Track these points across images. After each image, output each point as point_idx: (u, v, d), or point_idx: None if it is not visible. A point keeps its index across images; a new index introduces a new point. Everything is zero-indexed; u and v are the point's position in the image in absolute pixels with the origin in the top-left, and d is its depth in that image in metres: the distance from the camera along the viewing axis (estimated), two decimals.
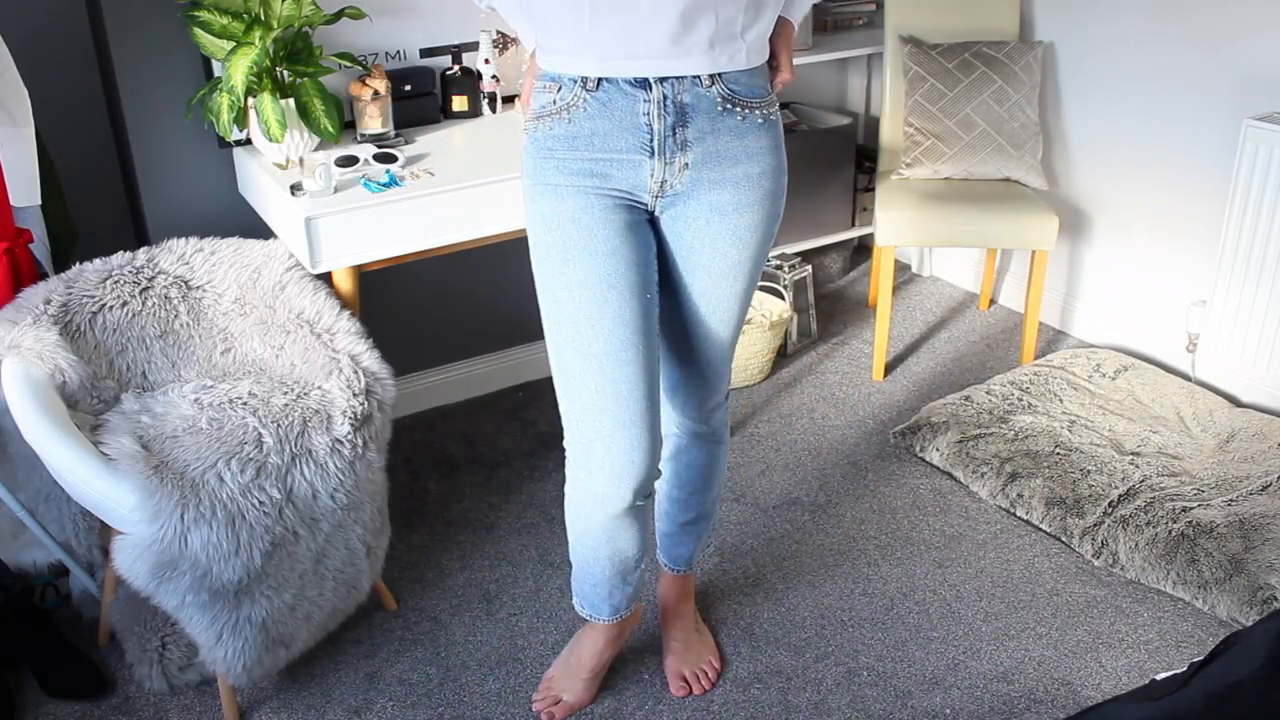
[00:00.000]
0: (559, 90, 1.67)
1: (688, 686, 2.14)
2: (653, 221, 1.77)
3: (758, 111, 1.70)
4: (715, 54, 1.63)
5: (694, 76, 1.64)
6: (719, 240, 1.76)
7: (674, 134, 1.66)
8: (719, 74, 1.65)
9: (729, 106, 1.68)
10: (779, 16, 1.73)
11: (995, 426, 2.83)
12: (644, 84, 1.63)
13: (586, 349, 1.72)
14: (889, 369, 3.28)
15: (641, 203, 1.73)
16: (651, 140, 1.66)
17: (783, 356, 3.36)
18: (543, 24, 1.65)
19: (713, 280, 1.80)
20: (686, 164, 1.69)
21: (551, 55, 1.67)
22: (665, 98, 1.64)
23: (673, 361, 1.92)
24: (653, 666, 2.20)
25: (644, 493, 1.82)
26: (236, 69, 2.25)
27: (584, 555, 1.96)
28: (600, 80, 1.64)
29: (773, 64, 1.75)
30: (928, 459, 2.81)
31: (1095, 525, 2.47)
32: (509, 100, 2.83)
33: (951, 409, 2.91)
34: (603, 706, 2.10)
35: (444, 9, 2.71)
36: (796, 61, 3.31)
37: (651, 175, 1.69)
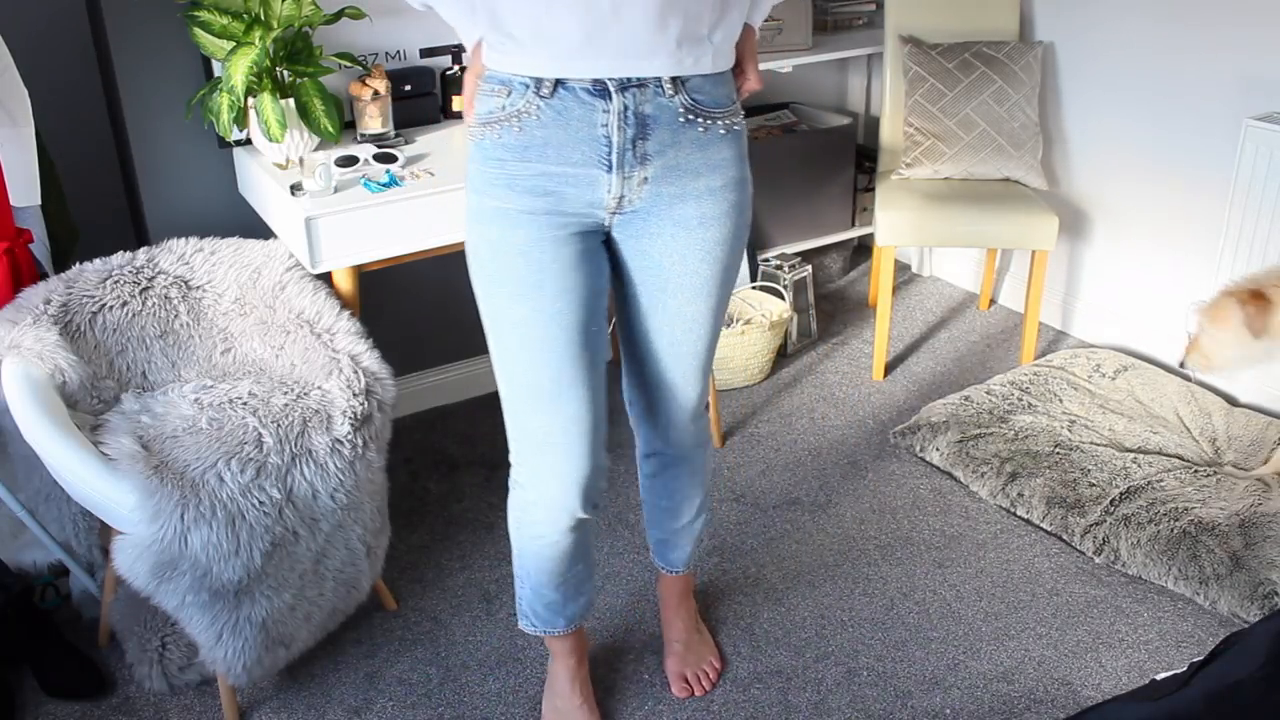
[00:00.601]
0: (508, 95, 1.56)
1: (689, 688, 2.13)
2: (608, 241, 1.70)
3: (720, 122, 1.62)
4: (681, 55, 1.54)
5: (656, 85, 1.55)
6: (687, 256, 1.68)
7: (634, 147, 1.57)
8: (683, 82, 1.56)
9: (691, 117, 1.59)
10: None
11: (995, 426, 2.83)
12: (603, 93, 1.53)
13: (535, 386, 1.68)
14: (889, 369, 3.28)
15: (596, 222, 1.64)
16: (610, 153, 1.57)
17: (783, 356, 3.36)
18: (494, 12, 1.53)
19: (685, 299, 1.73)
20: (646, 178, 1.60)
21: (499, 53, 1.56)
22: (626, 108, 1.54)
23: (649, 384, 1.86)
24: (653, 667, 2.20)
25: (591, 505, 1.79)
26: (236, 69, 2.25)
27: (534, 573, 1.91)
28: (556, 84, 1.53)
29: (737, 71, 1.69)
30: (928, 459, 2.81)
31: (1096, 523, 2.47)
32: None
33: (951, 409, 2.91)
34: (603, 707, 2.10)
35: None
36: (797, 61, 3.31)
37: (609, 191, 1.60)
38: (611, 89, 1.54)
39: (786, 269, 3.33)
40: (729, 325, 3.15)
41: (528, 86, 1.55)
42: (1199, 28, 2.91)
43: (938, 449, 2.80)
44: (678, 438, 1.94)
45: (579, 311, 1.65)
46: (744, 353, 3.12)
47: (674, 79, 1.56)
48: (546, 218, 1.61)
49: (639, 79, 1.54)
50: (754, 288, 3.34)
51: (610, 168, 1.58)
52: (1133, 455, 2.73)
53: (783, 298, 3.29)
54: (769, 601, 2.37)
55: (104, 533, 2.18)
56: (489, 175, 1.61)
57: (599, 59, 1.51)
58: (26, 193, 2.21)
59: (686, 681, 2.14)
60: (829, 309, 3.67)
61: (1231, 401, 2.97)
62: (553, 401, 1.69)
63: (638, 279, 1.73)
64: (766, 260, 3.40)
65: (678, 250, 1.68)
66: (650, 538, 2.15)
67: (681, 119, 1.59)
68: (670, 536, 2.10)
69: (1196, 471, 2.64)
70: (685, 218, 1.66)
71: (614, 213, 1.64)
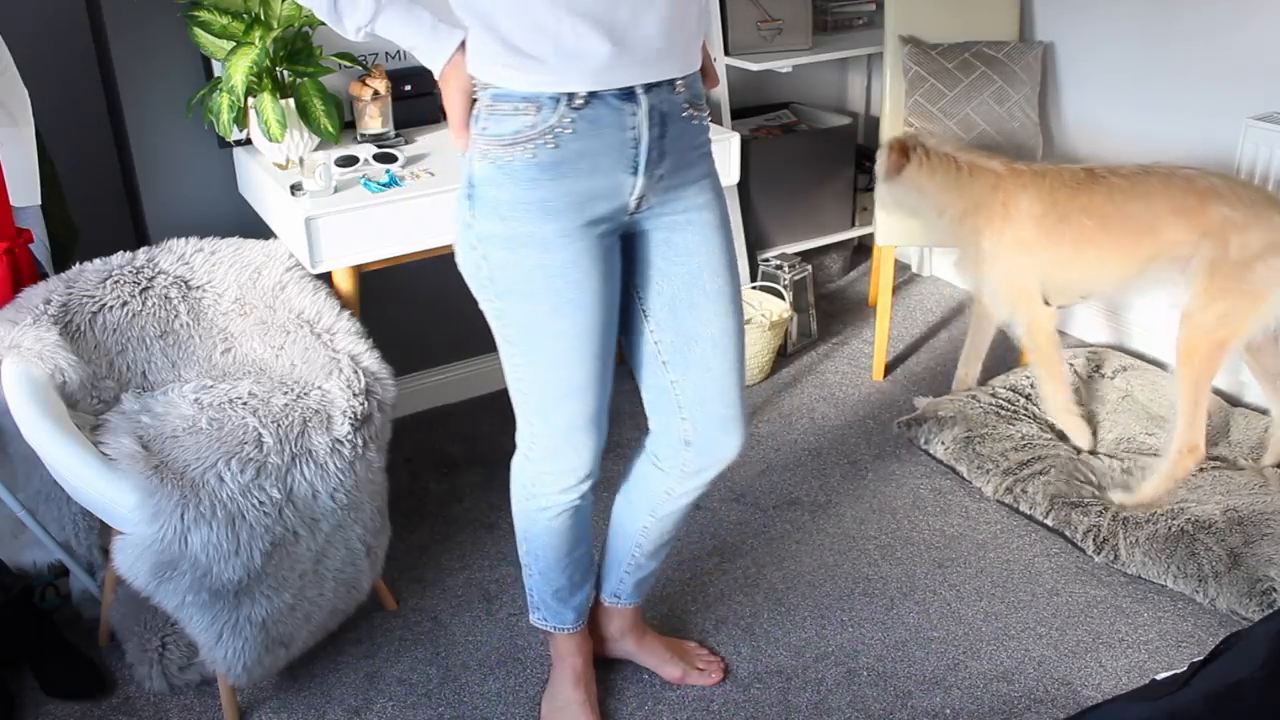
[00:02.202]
0: (538, 111, 1.52)
1: (709, 677, 2.15)
2: (624, 241, 1.71)
3: (704, 114, 1.68)
4: (688, 56, 1.59)
5: (669, 85, 1.58)
6: (709, 238, 1.72)
7: (657, 146, 1.60)
8: (684, 79, 1.60)
9: (689, 111, 1.63)
10: None
11: (1001, 427, 2.83)
12: (630, 96, 1.55)
13: (570, 384, 1.70)
14: (889, 369, 3.28)
15: (618, 224, 1.65)
16: (638, 155, 1.58)
17: (783, 356, 3.36)
18: (505, 40, 1.50)
19: (721, 279, 1.73)
20: (661, 175, 1.63)
21: (519, 71, 1.52)
22: (652, 108, 1.56)
23: (693, 387, 1.79)
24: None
25: (597, 473, 1.85)
26: (236, 69, 2.25)
27: (542, 554, 1.93)
28: (589, 96, 1.52)
29: (701, 70, 1.72)
30: (931, 451, 2.81)
31: (1097, 523, 2.47)
32: None
33: (958, 406, 2.91)
34: (603, 706, 2.10)
35: (444, 9, 2.70)
36: (797, 61, 3.32)
37: (633, 193, 1.62)
38: (639, 91, 1.55)
39: (786, 269, 3.33)
40: None
41: (558, 101, 1.52)
42: (1199, 27, 2.91)
43: (943, 443, 2.79)
44: (726, 441, 1.84)
45: (611, 313, 1.70)
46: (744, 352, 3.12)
47: (681, 77, 1.60)
48: (579, 231, 1.60)
49: (658, 81, 1.57)
50: (754, 288, 3.34)
51: (637, 169, 1.60)
52: (1132, 455, 2.73)
53: (783, 298, 3.29)
54: (769, 601, 2.37)
55: (104, 533, 2.18)
56: (518, 197, 1.57)
57: (629, 69, 1.53)
58: (26, 193, 2.21)
59: (700, 674, 2.15)
60: (829, 309, 3.67)
61: (1232, 402, 2.96)
62: (585, 394, 1.72)
63: (668, 271, 1.73)
64: (766, 260, 3.40)
65: (697, 234, 1.71)
66: (624, 578, 2.06)
67: (684, 114, 1.62)
68: (652, 566, 2.06)
69: (1195, 472, 2.64)
70: (693, 204, 1.70)
71: (632, 213, 1.66)
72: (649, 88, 1.56)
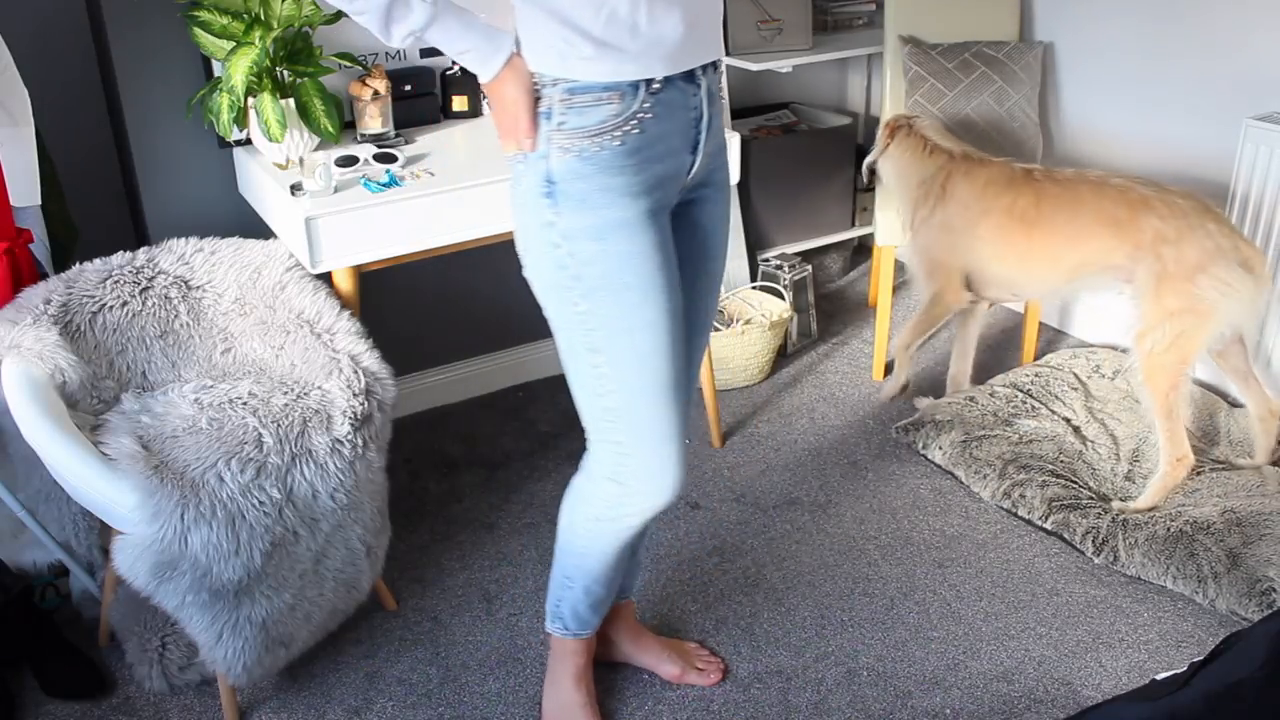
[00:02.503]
0: (621, 98, 1.55)
1: (709, 676, 2.14)
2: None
3: (723, 88, 1.76)
4: (720, 39, 1.67)
5: (713, 66, 1.65)
6: (721, 221, 1.80)
7: (709, 123, 1.66)
8: (716, 62, 1.68)
9: (720, 91, 1.71)
10: None
11: (999, 429, 2.83)
12: (692, 76, 1.61)
13: (667, 381, 1.67)
14: (889, 369, 3.28)
15: (673, 203, 1.70)
16: (699, 135, 1.65)
17: (783, 356, 3.36)
18: (590, 34, 1.51)
19: (719, 263, 1.82)
20: (708, 152, 1.69)
21: (597, 63, 1.53)
22: (708, 88, 1.64)
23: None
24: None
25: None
26: (236, 69, 2.25)
27: (595, 570, 1.89)
28: (665, 79, 1.57)
29: None
30: (929, 456, 2.81)
31: (1096, 524, 2.47)
32: None
33: (956, 409, 2.91)
34: (603, 707, 2.10)
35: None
36: (797, 61, 3.32)
37: (691, 171, 1.68)
38: (698, 72, 1.62)
39: (786, 269, 3.33)
40: (729, 325, 3.15)
41: (638, 87, 1.55)
42: (1199, 28, 2.91)
43: (940, 448, 2.79)
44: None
45: (680, 298, 1.69)
46: (744, 353, 3.12)
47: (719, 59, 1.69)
48: (657, 214, 1.63)
49: (713, 62, 1.65)
50: (754, 288, 3.34)
51: (697, 148, 1.66)
52: (1132, 455, 2.73)
53: (783, 298, 3.29)
54: (769, 601, 2.37)
55: (104, 533, 2.18)
56: (605, 185, 1.57)
57: (695, 50, 1.59)
58: (27, 193, 2.21)
59: (699, 673, 2.14)
60: (829, 309, 3.67)
61: (1232, 402, 2.96)
62: (678, 392, 1.71)
63: (683, 253, 1.75)
64: (766, 260, 3.40)
65: (717, 215, 1.78)
66: (611, 599, 2.02)
67: (718, 92, 1.70)
68: (641, 552, 2.07)
69: (1194, 473, 2.64)
70: (719, 182, 1.76)
71: (682, 193, 1.70)
72: (705, 68, 1.63)
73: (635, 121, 1.56)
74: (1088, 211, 2.56)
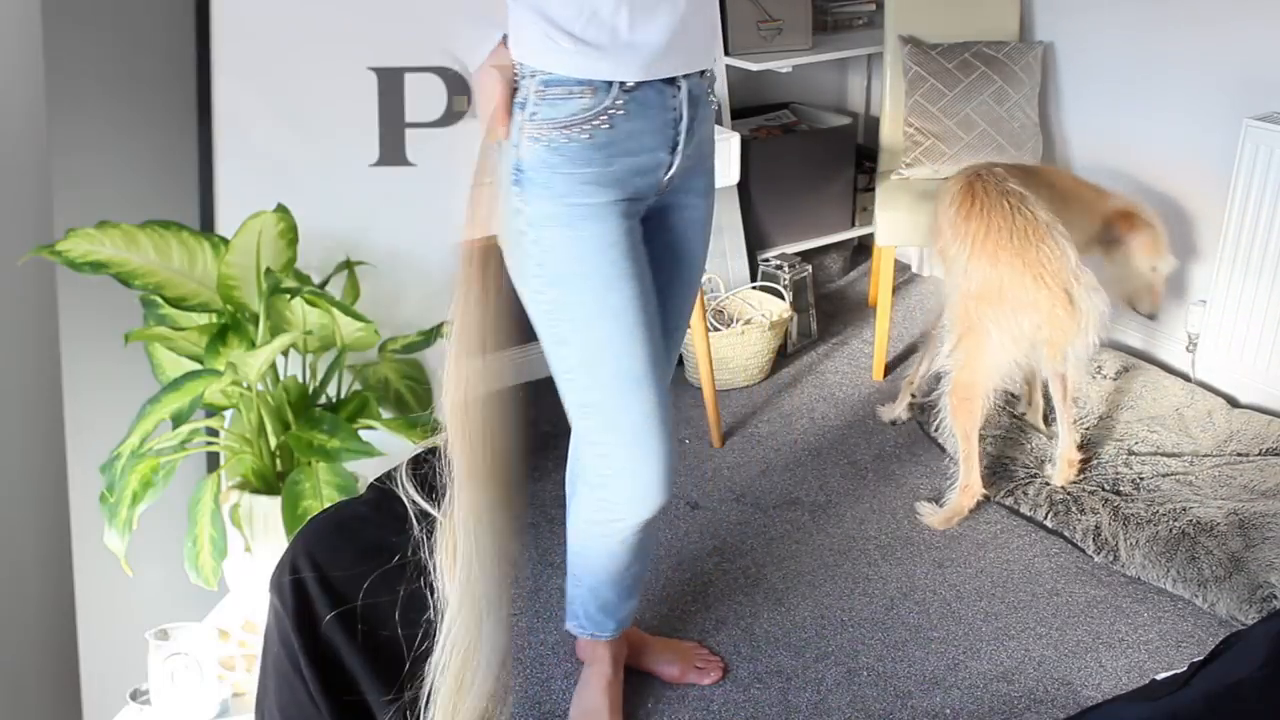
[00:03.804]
0: (593, 94, 1.57)
1: (708, 676, 2.14)
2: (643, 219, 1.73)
3: (714, 95, 1.74)
4: (712, 47, 1.69)
5: (699, 73, 1.66)
6: (700, 227, 1.79)
7: (690, 127, 1.66)
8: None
9: (707, 91, 1.70)
10: None
11: (1000, 430, 2.83)
12: (671, 79, 1.62)
13: (630, 373, 1.67)
14: (889, 369, 3.28)
15: (647, 204, 1.70)
16: (677, 134, 1.65)
17: (783, 356, 3.36)
18: (569, 31, 1.54)
19: (695, 270, 1.83)
20: (688, 155, 1.69)
21: (577, 58, 1.56)
22: (690, 91, 1.64)
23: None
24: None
25: (672, 489, 1.80)
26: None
27: (596, 571, 1.89)
28: (639, 81, 1.59)
29: None
30: (939, 440, 2.79)
31: (1097, 523, 2.47)
32: None
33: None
34: None
35: None
36: (797, 62, 3.33)
37: (666, 172, 1.68)
38: (679, 77, 1.63)
39: (786, 269, 3.33)
40: (729, 325, 3.15)
41: (611, 85, 1.57)
42: (1199, 28, 2.91)
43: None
44: None
45: (651, 291, 1.69)
46: (744, 353, 3.12)
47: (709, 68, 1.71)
48: (626, 205, 1.64)
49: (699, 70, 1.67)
50: (754, 288, 3.34)
51: (674, 148, 1.66)
52: (1132, 455, 2.73)
53: (783, 298, 3.29)
54: (769, 601, 2.37)
55: None
56: (573, 177, 1.59)
57: (677, 62, 1.60)
58: None
59: (698, 673, 2.14)
60: (829, 309, 3.67)
61: (1233, 402, 2.97)
62: (646, 387, 1.69)
63: (658, 256, 1.75)
64: (766, 260, 3.40)
65: (696, 221, 1.78)
66: (628, 603, 2.00)
67: (704, 93, 1.70)
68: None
69: (1195, 472, 2.64)
70: (701, 189, 1.76)
71: (659, 193, 1.70)
72: (687, 74, 1.64)
73: (605, 117, 1.58)
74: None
